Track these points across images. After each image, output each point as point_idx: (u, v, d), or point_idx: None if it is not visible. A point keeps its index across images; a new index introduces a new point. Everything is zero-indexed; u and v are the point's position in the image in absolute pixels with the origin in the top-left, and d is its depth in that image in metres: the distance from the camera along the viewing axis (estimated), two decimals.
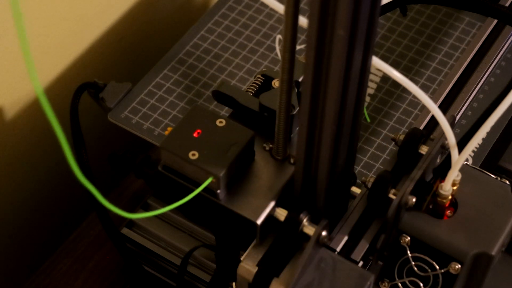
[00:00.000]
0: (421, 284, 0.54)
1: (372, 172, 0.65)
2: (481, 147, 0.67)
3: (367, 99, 0.70)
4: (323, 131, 0.47)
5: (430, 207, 0.55)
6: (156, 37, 0.85)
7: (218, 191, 0.52)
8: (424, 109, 0.68)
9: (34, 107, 0.73)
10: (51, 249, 0.76)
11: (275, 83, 0.58)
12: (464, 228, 0.53)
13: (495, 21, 0.74)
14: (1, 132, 0.71)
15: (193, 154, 0.51)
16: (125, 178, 0.79)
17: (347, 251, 0.54)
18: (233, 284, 0.55)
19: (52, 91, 0.74)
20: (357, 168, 0.65)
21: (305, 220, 0.51)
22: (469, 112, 0.69)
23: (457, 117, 0.68)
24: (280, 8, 0.50)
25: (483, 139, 0.67)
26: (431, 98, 0.52)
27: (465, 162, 0.56)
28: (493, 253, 0.52)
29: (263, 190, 0.53)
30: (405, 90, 0.67)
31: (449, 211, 0.54)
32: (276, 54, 0.73)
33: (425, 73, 0.72)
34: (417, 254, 0.54)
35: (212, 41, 0.74)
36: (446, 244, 0.53)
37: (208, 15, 0.76)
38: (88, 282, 0.72)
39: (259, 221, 0.51)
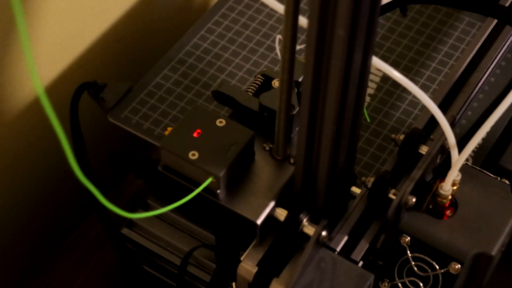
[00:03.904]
0: (421, 284, 0.54)
1: (372, 172, 0.65)
2: (481, 147, 0.67)
3: (367, 99, 0.70)
4: (323, 131, 0.47)
5: (430, 207, 0.55)
6: (156, 37, 0.85)
7: (218, 191, 0.52)
8: (424, 109, 0.68)
9: (34, 107, 0.73)
10: (51, 249, 0.76)
11: (275, 83, 0.58)
12: (464, 228, 0.53)
13: (495, 21, 0.74)
14: (1, 132, 0.71)
15: (193, 154, 0.51)
16: (125, 178, 0.79)
17: (347, 251, 0.54)
18: (233, 284, 0.55)
19: (52, 91, 0.74)
20: (357, 168, 0.65)
21: (305, 220, 0.51)
22: (469, 112, 0.69)
23: (457, 117, 0.68)
24: (280, 8, 0.50)
25: (483, 139, 0.67)
26: (431, 98, 0.52)
27: (465, 162, 0.56)
28: (493, 253, 0.52)
29: (263, 190, 0.53)
30: (405, 90, 0.67)
31: (449, 211, 0.55)
32: (276, 54, 0.73)
33: (425, 73, 0.72)
34: (417, 254, 0.54)
35: (212, 41, 0.74)
36: (446, 244, 0.53)
37: (208, 15, 0.76)
38: (88, 282, 0.72)
39: (259, 221, 0.51)
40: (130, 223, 0.70)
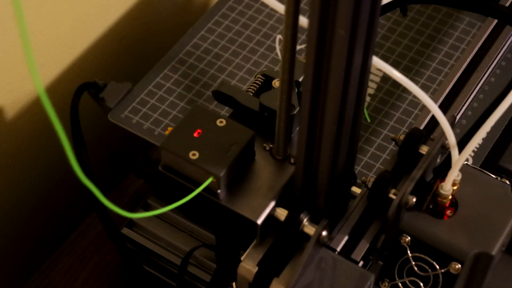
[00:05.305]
0: (421, 284, 0.54)
1: (372, 172, 0.65)
2: (481, 147, 0.67)
3: (367, 99, 0.70)
4: (323, 131, 0.47)
5: (430, 207, 0.55)
6: (156, 37, 0.85)
7: (219, 191, 0.52)
8: (424, 109, 0.68)
9: (34, 107, 0.73)
10: (51, 249, 0.76)
11: (276, 83, 0.58)
12: (464, 228, 0.53)
13: (495, 21, 0.74)
14: (1, 132, 0.71)
15: (194, 154, 0.51)
16: (125, 178, 0.79)
17: (347, 251, 0.54)
18: (234, 284, 0.55)
19: (52, 91, 0.74)
20: (357, 168, 0.65)
21: (305, 220, 0.51)
22: (469, 112, 0.69)
23: (457, 117, 0.68)
24: (281, 8, 0.50)
25: (483, 139, 0.67)
26: (431, 98, 0.52)
27: (465, 162, 0.56)
28: (493, 253, 0.52)
29: (263, 190, 0.53)
30: (405, 90, 0.68)
31: (449, 211, 0.55)
32: (276, 54, 0.73)
33: (425, 73, 0.72)
34: (417, 254, 0.54)
35: (212, 41, 0.74)
36: (446, 244, 0.53)
37: (208, 15, 0.76)
38: (88, 282, 0.72)
39: (259, 221, 0.51)
40: (130, 223, 0.70)
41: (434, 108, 0.50)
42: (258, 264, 0.52)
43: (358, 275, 0.52)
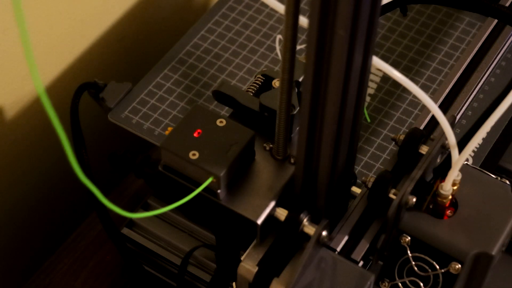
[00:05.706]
0: (422, 284, 0.54)
1: (372, 172, 0.65)
2: (481, 147, 0.67)
3: (367, 99, 0.70)
4: (323, 131, 0.47)
5: (430, 207, 0.55)
6: (156, 37, 0.85)
7: (219, 191, 0.52)
8: (424, 109, 0.68)
9: (34, 107, 0.73)
10: (51, 249, 0.76)
11: (276, 83, 0.58)
12: (464, 228, 0.53)
13: (495, 21, 0.74)
14: (1, 132, 0.71)
15: (194, 154, 0.51)
16: (125, 178, 0.79)
17: (347, 251, 0.54)
18: (234, 284, 0.55)
19: (52, 91, 0.74)
20: (357, 168, 0.65)
21: (305, 220, 0.51)
22: (469, 112, 0.69)
23: (457, 117, 0.68)
24: (281, 8, 0.50)
25: (483, 139, 0.67)
26: (431, 98, 0.52)
27: (465, 162, 0.56)
28: (493, 253, 0.52)
29: (263, 190, 0.53)
30: (405, 90, 0.68)
31: (449, 211, 0.55)
32: (276, 54, 0.73)
33: (425, 73, 0.72)
34: (417, 254, 0.54)
35: (212, 41, 0.74)
36: (446, 244, 0.53)
37: (208, 15, 0.76)
38: (88, 282, 0.72)
39: (259, 221, 0.51)
40: (131, 223, 0.70)
41: (434, 108, 0.50)
42: (258, 264, 0.52)
43: (358, 275, 0.52)
